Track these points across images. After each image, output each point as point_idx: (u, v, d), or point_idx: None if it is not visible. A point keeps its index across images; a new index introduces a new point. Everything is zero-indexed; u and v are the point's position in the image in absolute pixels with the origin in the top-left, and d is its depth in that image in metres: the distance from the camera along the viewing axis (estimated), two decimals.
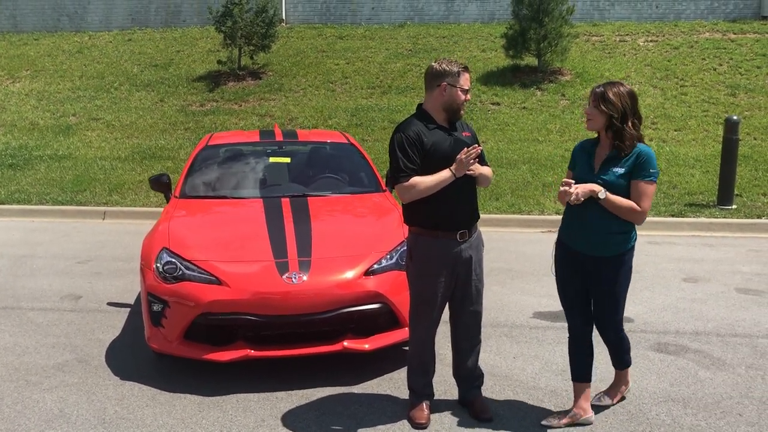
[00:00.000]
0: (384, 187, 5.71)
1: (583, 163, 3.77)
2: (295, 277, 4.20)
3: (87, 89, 14.97)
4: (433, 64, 3.79)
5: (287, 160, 5.86)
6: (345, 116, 13.06)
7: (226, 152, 6.04)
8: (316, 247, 4.47)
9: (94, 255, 7.43)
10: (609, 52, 15.50)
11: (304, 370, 4.45)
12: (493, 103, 13.32)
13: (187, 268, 4.31)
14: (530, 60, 14.56)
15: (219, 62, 15.16)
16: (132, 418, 3.89)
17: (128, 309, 5.70)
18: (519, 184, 9.83)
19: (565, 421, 3.78)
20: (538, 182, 9.86)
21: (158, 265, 4.37)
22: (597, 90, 3.66)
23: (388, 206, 5.25)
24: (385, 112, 13.13)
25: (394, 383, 4.31)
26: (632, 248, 3.73)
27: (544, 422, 3.81)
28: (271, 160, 5.83)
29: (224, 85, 14.85)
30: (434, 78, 3.73)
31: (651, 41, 15.80)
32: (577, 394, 3.84)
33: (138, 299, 5.92)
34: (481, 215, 9.29)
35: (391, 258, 4.47)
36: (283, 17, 17.95)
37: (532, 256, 7.32)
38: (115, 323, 5.38)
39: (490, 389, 4.21)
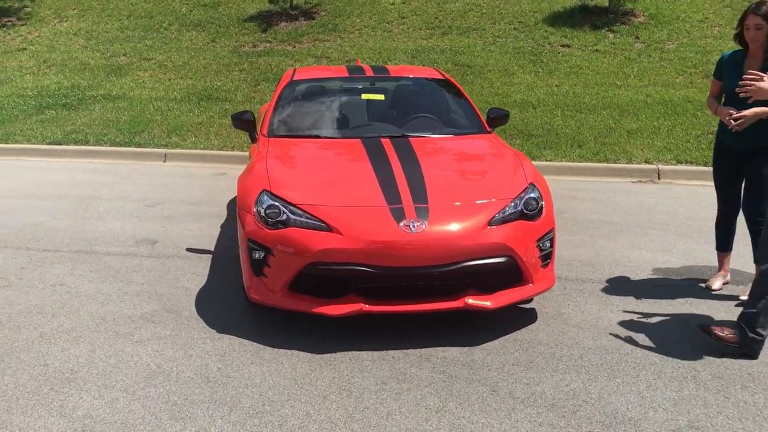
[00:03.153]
0: (488, 128, 5.18)
1: (732, 76, 4.18)
2: (413, 225, 3.73)
3: (136, 29, 14.50)
4: None
5: (381, 97, 5.33)
6: (405, 58, 12.42)
7: (313, 88, 5.52)
8: (431, 192, 3.98)
9: (161, 198, 7.06)
10: None
11: (417, 328, 4.02)
12: (562, 45, 12.55)
13: (293, 212, 3.86)
14: (599, 0, 13.69)
15: (270, 1, 14.55)
16: (238, 377, 3.52)
17: (209, 256, 5.32)
18: (601, 130, 9.18)
19: (719, 283, 4.64)
20: (622, 129, 9.19)
21: (259, 208, 3.93)
22: (765, 8, 4.07)
23: (501, 148, 4.73)
24: (447, 54, 12.46)
25: (520, 345, 3.86)
26: None
27: (705, 285, 4.60)
28: (364, 96, 5.31)
29: (276, 25, 14.26)
30: None
31: None
32: (721, 261, 4.71)
33: (219, 245, 5.55)
34: (564, 163, 8.57)
35: (515, 206, 3.97)
36: None
37: (629, 207, 6.77)
38: (198, 270, 5.01)
39: (640, 359, 3.73)
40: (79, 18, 15.37)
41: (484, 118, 5.32)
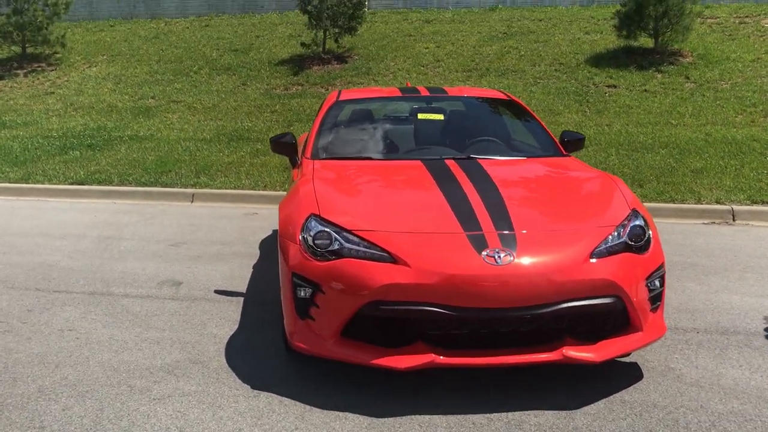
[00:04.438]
0: (564, 152, 4.49)
1: None
2: (498, 256, 3.02)
3: (165, 73, 14.23)
4: None
5: (440, 117, 4.69)
6: None
7: (362, 109, 4.89)
8: (515, 216, 3.28)
9: (187, 238, 6.42)
10: (730, 34, 13.95)
11: (497, 383, 3.26)
12: (608, 86, 11.93)
13: (347, 239, 3.17)
14: (644, 41, 13.17)
15: (303, 45, 14.25)
16: None
17: (240, 298, 4.63)
18: (663, 169, 8.44)
19: None
20: (685, 168, 8.44)
21: (306, 236, 3.24)
22: None
23: (589, 170, 4.03)
24: None
25: (631, 408, 3.07)
26: None
27: None
28: (420, 116, 4.67)
29: (308, 68, 13.88)
30: None
31: None
32: None
33: (251, 287, 4.86)
34: None
35: (619, 236, 3.25)
36: (365, 2, 16.96)
37: (711, 249, 5.97)
38: (228, 315, 4.31)
39: None
40: (109, 63, 15.17)
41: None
